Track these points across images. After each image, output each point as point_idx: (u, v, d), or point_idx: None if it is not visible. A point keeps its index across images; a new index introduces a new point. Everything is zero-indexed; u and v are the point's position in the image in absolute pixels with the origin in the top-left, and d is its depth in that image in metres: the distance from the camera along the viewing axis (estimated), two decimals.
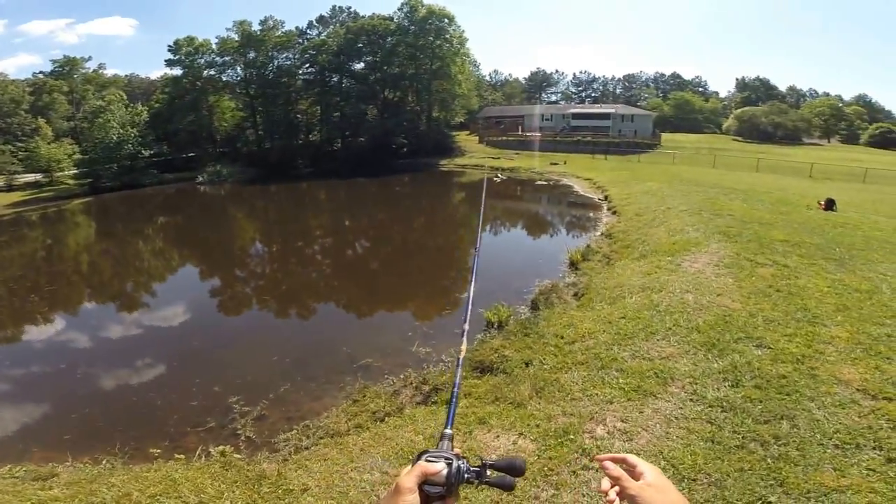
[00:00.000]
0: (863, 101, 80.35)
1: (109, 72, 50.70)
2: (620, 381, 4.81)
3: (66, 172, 36.48)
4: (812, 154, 44.71)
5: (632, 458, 0.96)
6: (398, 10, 44.84)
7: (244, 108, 46.12)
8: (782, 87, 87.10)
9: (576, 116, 55.35)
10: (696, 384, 4.55)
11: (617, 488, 0.93)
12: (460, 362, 1.12)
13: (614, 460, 0.97)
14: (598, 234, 14.73)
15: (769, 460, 3.50)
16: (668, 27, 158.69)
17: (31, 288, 15.52)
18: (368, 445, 4.81)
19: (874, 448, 3.54)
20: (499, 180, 31.72)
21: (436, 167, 39.54)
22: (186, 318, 11.87)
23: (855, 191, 23.28)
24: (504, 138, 48.65)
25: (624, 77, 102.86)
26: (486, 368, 6.37)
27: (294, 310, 12.10)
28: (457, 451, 0.90)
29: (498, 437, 4.29)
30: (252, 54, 43.82)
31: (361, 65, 46.62)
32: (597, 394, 4.62)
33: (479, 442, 4.32)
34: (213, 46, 43.39)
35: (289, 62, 46.07)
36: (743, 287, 7.10)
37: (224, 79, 45.30)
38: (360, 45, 44.89)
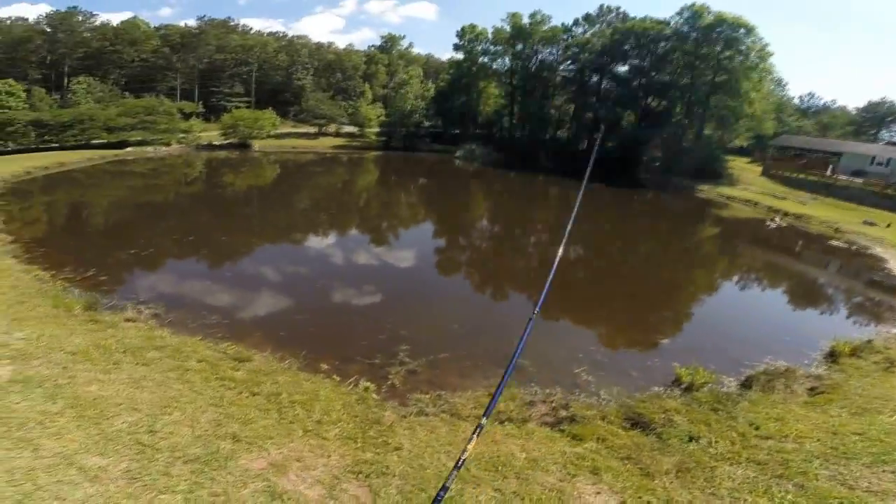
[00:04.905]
0: None
1: (414, 51, 62.22)
2: (789, 497, 3.71)
3: (373, 129, 47.17)
4: None
5: None
6: (676, 14, 39.47)
7: (505, 97, 49.24)
8: None
9: None
10: None
11: None
12: (528, 331, 1.16)
13: None
14: None
15: None
16: None
17: (324, 208, 21.38)
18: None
19: None
20: (773, 226, 25.50)
21: (691, 190, 34.46)
22: (410, 263, 14.51)
23: None
24: (800, 175, 38.29)
25: None
26: (638, 423, 5.58)
27: (489, 289, 12.95)
28: None
29: (599, 493, 3.76)
30: (519, 46, 45.60)
31: (626, 67, 43.66)
32: (747, 500, 3.65)
33: (577, 489, 3.84)
34: (489, 35, 46.74)
35: (551, 57, 46.37)
36: None
37: (494, 67, 48.66)
38: (627, 47, 41.78)
